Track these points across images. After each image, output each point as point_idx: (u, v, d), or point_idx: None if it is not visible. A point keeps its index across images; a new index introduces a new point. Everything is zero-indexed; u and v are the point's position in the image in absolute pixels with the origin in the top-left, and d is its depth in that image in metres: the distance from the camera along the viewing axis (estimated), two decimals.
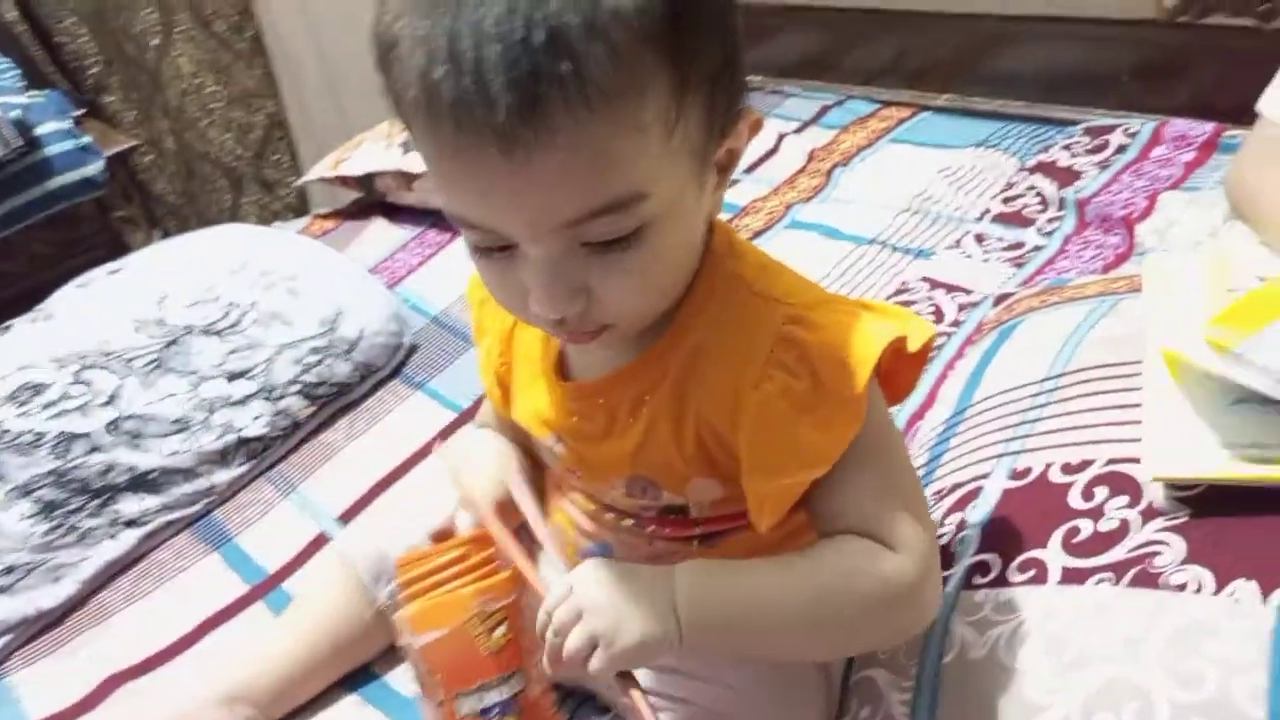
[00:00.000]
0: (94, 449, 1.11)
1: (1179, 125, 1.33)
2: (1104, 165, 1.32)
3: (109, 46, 2.23)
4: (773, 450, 0.59)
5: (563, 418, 0.69)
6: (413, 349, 1.35)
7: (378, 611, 0.85)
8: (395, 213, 1.69)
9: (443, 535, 0.70)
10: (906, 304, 1.19)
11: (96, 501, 1.09)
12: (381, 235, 1.66)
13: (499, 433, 0.80)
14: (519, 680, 0.60)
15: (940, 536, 0.70)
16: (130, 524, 1.10)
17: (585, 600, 0.57)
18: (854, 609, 0.58)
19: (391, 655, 0.89)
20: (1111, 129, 1.38)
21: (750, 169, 1.57)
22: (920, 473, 0.81)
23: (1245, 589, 0.54)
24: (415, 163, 1.54)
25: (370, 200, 1.75)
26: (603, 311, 0.56)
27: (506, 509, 0.69)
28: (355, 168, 1.69)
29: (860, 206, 1.40)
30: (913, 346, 0.59)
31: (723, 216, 1.74)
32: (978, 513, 0.68)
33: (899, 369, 0.61)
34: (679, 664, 0.70)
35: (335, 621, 0.87)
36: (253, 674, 0.85)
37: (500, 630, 0.59)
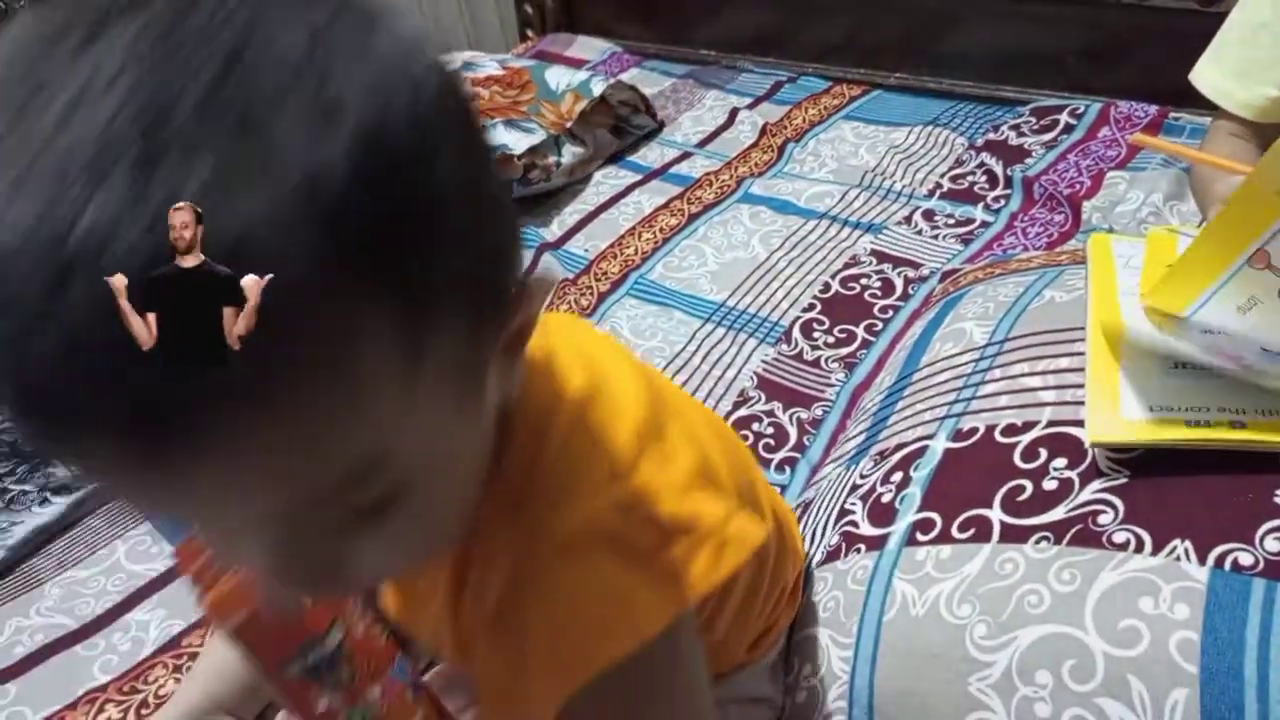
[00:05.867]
0: None
1: (1124, 107, 1.36)
2: (1051, 145, 1.34)
3: None
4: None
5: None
6: None
7: None
8: None
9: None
10: (855, 278, 1.19)
11: (25, 466, 1.06)
12: None
13: None
14: (339, 627, 0.58)
15: (881, 494, 0.70)
16: (61, 490, 1.07)
17: None
18: None
19: None
20: (1059, 110, 1.40)
21: (703, 143, 1.57)
22: (864, 436, 0.81)
23: (1183, 548, 0.55)
24: None
25: None
26: (360, 579, 0.44)
27: None
28: None
29: (812, 181, 1.41)
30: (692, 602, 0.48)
31: (676, 189, 1.70)
32: (921, 471, 0.69)
33: None
34: None
35: None
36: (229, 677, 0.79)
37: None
